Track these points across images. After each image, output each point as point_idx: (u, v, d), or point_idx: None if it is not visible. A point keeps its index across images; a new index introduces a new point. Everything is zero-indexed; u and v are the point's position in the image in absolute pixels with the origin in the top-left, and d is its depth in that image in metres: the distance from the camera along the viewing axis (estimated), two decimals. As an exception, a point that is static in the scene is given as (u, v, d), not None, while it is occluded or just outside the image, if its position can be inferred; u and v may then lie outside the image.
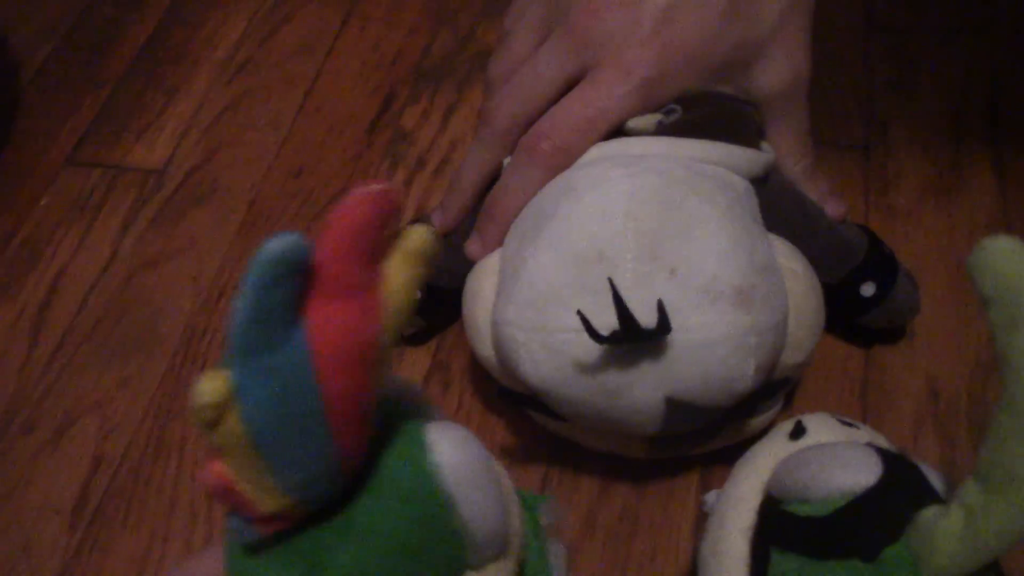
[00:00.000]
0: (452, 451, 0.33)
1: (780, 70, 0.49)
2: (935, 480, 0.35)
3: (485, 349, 0.47)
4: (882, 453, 0.35)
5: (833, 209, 0.51)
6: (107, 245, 0.64)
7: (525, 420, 0.52)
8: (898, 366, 0.53)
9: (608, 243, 0.42)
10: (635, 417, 0.43)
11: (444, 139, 0.66)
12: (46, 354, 0.59)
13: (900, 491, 0.34)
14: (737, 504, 0.38)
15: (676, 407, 0.43)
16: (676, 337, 0.41)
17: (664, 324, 0.40)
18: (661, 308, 0.40)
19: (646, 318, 0.40)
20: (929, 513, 0.33)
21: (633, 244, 0.42)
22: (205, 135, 0.69)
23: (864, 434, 0.39)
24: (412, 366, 0.56)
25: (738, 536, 0.37)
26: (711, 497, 0.41)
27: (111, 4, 0.80)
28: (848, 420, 0.41)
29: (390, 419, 0.34)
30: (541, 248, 0.44)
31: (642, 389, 0.42)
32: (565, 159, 0.46)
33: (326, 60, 0.73)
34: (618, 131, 0.47)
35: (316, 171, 0.66)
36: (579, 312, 0.40)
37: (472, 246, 0.50)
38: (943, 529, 0.31)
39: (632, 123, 0.47)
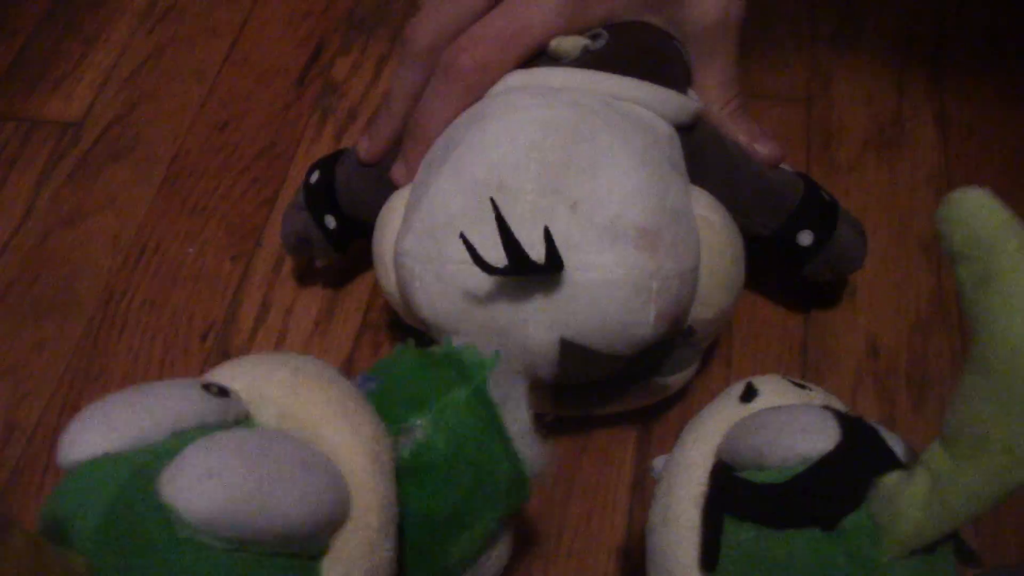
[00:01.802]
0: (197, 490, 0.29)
1: (713, 4, 0.47)
2: (895, 445, 0.34)
3: (389, 284, 0.45)
4: (840, 417, 0.34)
5: (766, 150, 0.49)
6: (21, 202, 0.61)
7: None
8: (838, 324, 0.52)
9: (510, 172, 0.40)
10: (528, 358, 0.41)
11: (376, 91, 0.64)
12: (-44, 317, 0.56)
13: (860, 456, 0.33)
14: (687, 470, 0.36)
15: (571, 350, 0.41)
16: (572, 275, 0.39)
17: (553, 258, 0.38)
18: (549, 239, 0.38)
19: (541, 252, 0.38)
20: (891, 479, 0.31)
21: (535, 175, 0.40)
22: (125, 86, 0.66)
23: (818, 396, 0.38)
24: (343, 325, 0.54)
25: (689, 504, 0.35)
26: (659, 463, 0.39)
27: (26, -53, 0.76)
28: (801, 382, 0.39)
29: None
30: (444, 175, 0.42)
31: (535, 328, 0.40)
32: (484, 76, 0.44)
33: (253, 8, 0.70)
34: (542, 55, 0.45)
35: (242, 124, 0.63)
36: (463, 237, 0.38)
37: (397, 171, 0.47)
38: (907, 495, 0.30)
39: (556, 43, 0.44)
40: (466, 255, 0.39)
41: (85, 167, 0.62)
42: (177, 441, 0.30)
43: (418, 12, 0.48)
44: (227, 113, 0.64)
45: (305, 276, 0.56)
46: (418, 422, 0.36)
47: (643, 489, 0.47)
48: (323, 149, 0.61)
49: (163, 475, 0.29)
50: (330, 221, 0.51)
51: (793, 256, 0.49)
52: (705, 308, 0.44)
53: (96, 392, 0.52)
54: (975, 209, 0.28)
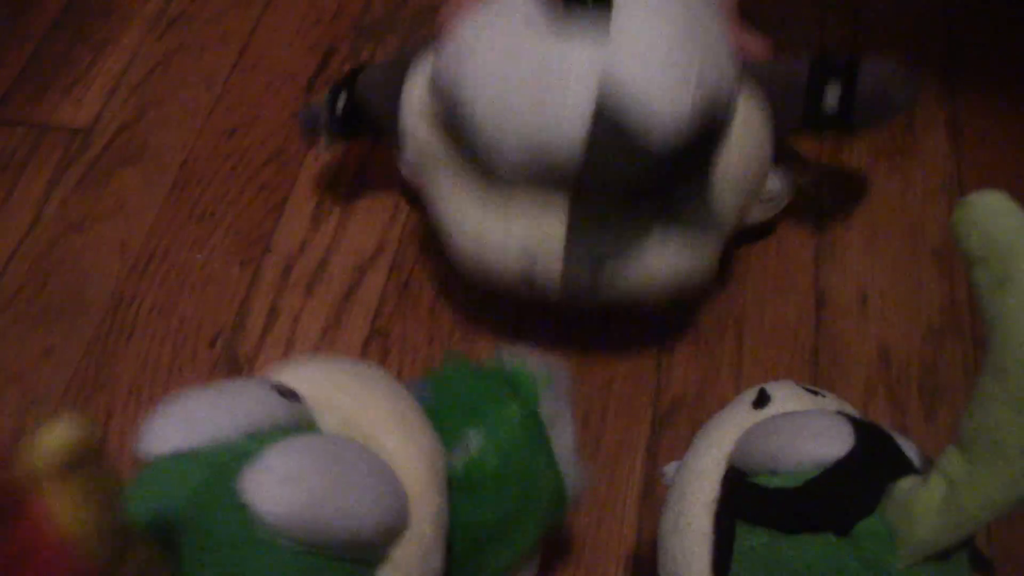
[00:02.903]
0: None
1: None
2: (909, 450, 0.33)
3: (417, 135, 0.47)
4: (854, 422, 0.33)
5: (755, 47, 0.49)
6: (30, 207, 0.61)
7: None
8: (849, 332, 0.52)
9: None
10: (558, 124, 0.40)
11: (386, 98, 0.64)
12: (-35, 322, 0.56)
13: (874, 462, 0.32)
14: (699, 476, 0.36)
15: (604, 120, 0.40)
16: (622, 23, 0.40)
17: None
18: None
19: None
20: (906, 484, 0.31)
21: None
22: (135, 93, 0.66)
23: (832, 402, 0.38)
24: (350, 332, 0.54)
25: (701, 510, 0.35)
26: (671, 469, 0.39)
27: (37, -45, 0.76)
28: (813, 388, 0.39)
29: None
30: None
31: (575, 76, 0.40)
32: None
33: (263, 15, 0.70)
34: None
35: (251, 130, 0.63)
36: None
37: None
38: (922, 500, 0.30)
39: None
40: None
41: (94, 173, 0.62)
42: (254, 442, 0.31)
43: None
44: (236, 120, 0.64)
45: (314, 283, 0.56)
46: (472, 436, 0.36)
47: (653, 497, 0.47)
48: (332, 157, 0.61)
49: (244, 476, 0.30)
50: (341, 100, 0.52)
51: (832, 120, 0.48)
52: (735, 162, 0.44)
53: (104, 398, 0.52)
54: (992, 212, 0.28)
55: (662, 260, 0.45)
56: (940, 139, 0.58)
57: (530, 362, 0.39)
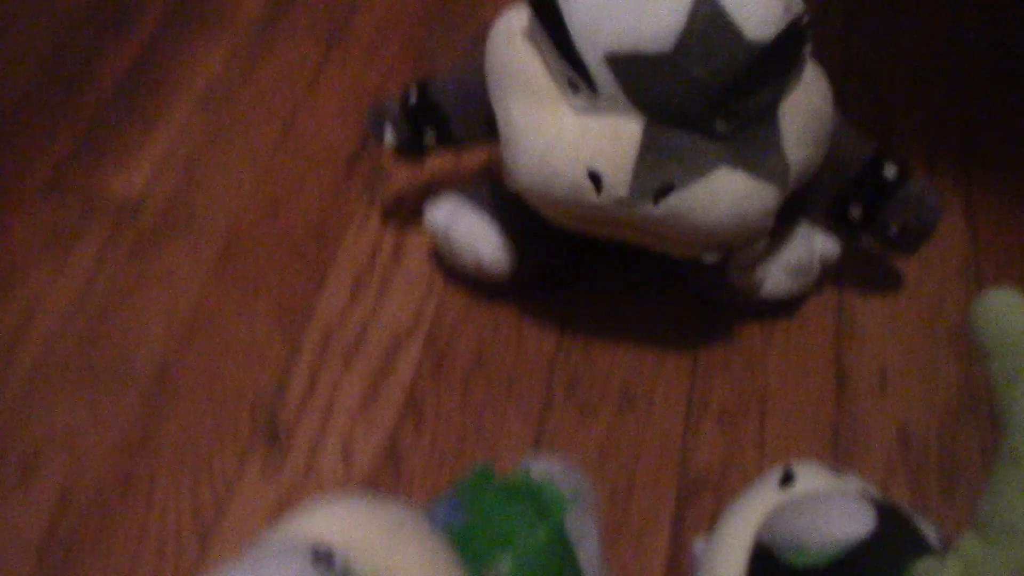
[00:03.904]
0: None
1: None
2: (929, 531, 0.35)
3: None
4: (875, 504, 0.35)
5: None
6: (82, 276, 0.63)
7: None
8: (869, 412, 0.53)
9: None
10: (658, 10, 0.44)
11: (422, 176, 0.67)
12: (17, 385, 0.58)
13: (895, 542, 0.34)
14: (727, 553, 0.38)
15: (702, 18, 0.43)
16: None
17: None
18: None
19: None
20: (925, 565, 0.33)
21: None
22: (184, 166, 0.69)
23: (854, 483, 0.40)
24: (387, 403, 0.56)
25: None
26: (699, 544, 0.41)
27: (92, 32, 0.80)
28: (836, 468, 0.41)
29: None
30: None
31: None
32: None
33: (307, 93, 0.73)
34: None
35: (293, 204, 0.66)
36: None
37: None
38: None
39: None
40: None
41: (143, 243, 0.65)
42: None
43: None
44: (280, 194, 0.67)
45: (352, 353, 0.58)
46: (502, 562, 0.38)
47: (678, 571, 0.48)
48: (371, 230, 0.64)
49: None
50: (412, 96, 0.56)
51: (871, 190, 0.52)
52: (799, 117, 0.47)
53: (148, 464, 0.54)
54: (1005, 308, 0.30)
55: (723, 196, 0.46)
56: (957, 223, 0.60)
57: (556, 474, 0.41)
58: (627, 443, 0.53)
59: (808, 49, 0.47)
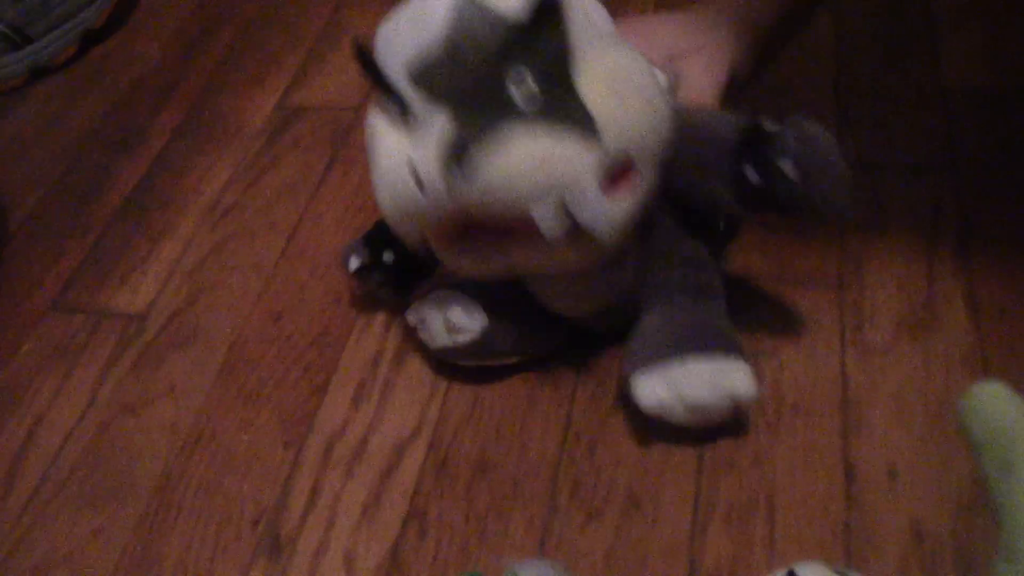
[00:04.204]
0: None
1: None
2: None
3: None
4: None
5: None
6: (86, 391, 0.64)
7: None
8: (880, 508, 0.52)
9: None
10: (426, 30, 0.49)
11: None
12: (19, 504, 0.58)
13: None
14: None
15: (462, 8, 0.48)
16: None
17: None
18: None
19: None
20: None
21: None
22: (188, 279, 0.70)
23: None
24: (390, 511, 0.55)
25: None
26: None
27: (101, 151, 0.82)
28: (841, 569, 0.40)
29: None
30: None
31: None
32: None
33: (309, 204, 0.74)
34: None
35: (297, 314, 0.66)
36: None
37: None
38: None
39: None
40: None
41: (147, 357, 0.65)
42: None
43: None
44: (282, 304, 0.67)
45: (354, 462, 0.58)
46: None
47: None
48: (373, 337, 0.64)
49: None
50: (373, 225, 0.63)
51: (758, 198, 0.53)
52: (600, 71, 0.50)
53: (150, 579, 0.54)
54: (993, 401, 0.30)
55: (522, 151, 0.48)
56: (959, 313, 0.60)
57: None
58: (633, 547, 0.52)
59: (570, 14, 0.50)
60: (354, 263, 0.62)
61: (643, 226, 0.54)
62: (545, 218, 0.49)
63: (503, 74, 0.49)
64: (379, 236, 0.62)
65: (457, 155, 0.48)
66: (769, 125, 0.53)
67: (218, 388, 0.63)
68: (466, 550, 0.53)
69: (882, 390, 0.57)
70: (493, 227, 0.51)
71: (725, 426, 0.56)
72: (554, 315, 0.59)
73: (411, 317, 0.60)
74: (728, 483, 0.54)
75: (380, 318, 0.65)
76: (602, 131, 0.49)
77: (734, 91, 0.56)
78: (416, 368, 0.62)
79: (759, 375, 0.57)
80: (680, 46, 0.61)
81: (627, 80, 0.51)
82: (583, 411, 0.58)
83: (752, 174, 0.52)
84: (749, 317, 0.61)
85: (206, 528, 0.56)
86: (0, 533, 0.57)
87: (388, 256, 0.62)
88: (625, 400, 0.58)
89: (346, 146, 0.78)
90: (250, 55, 0.89)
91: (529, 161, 0.48)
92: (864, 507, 0.52)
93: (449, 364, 0.60)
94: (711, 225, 0.58)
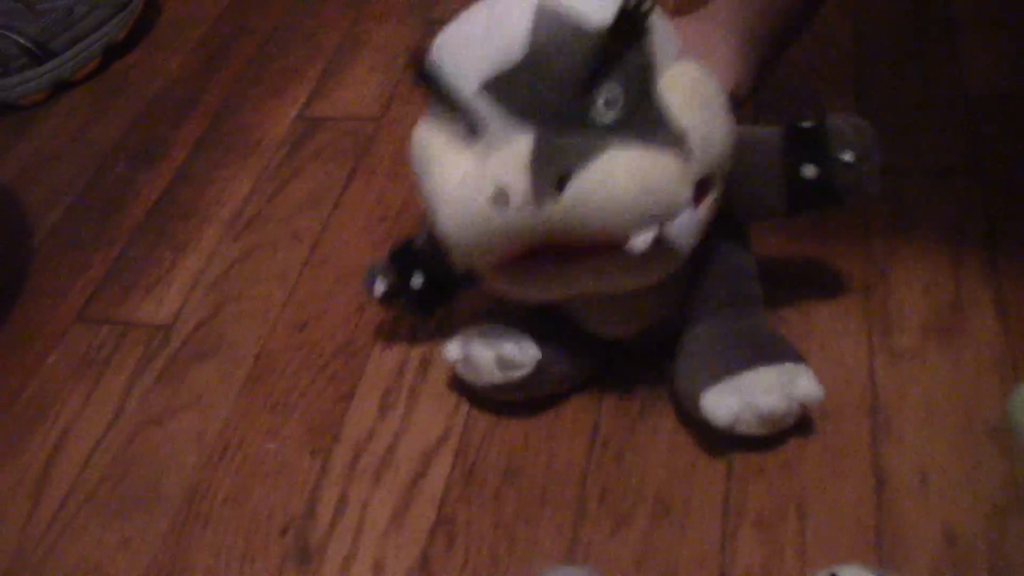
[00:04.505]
0: None
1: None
2: None
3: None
4: None
5: None
6: (113, 402, 0.64)
7: (532, 576, 0.51)
8: (911, 513, 0.52)
9: None
10: (506, 30, 0.48)
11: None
12: (48, 514, 0.58)
13: None
14: None
15: (543, 22, 0.47)
16: None
17: None
18: None
19: None
20: None
21: None
22: (212, 290, 0.70)
23: None
24: (418, 520, 0.55)
25: None
26: None
27: (124, 164, 0.83)
28: (881, 572, 0.40)
29: None
30: None
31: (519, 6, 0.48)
32: None
33: (332, 214, 0.74)
34: None
35: (321, 323, 0.67)
36: None
37: None
38: None
39: None
40: None
41: (173, 368, 0.65)
42: None
43: None
44: (307, 313, 0.67)
45: (382, 470, 0.58)
46: None
47: None
48: (399, 345, 0.64)
49: None
50: (397, 245, 0.61)
51: (814, 193, 0.54)
52: (681, 79, 0.50)
53: (179, 589, 0.54)
54: None
55: (619, 169, 0.47)
56: (988, 318, 0.60)
57: None
58: (663, 553, 0.52)
59: (653, 23, 0.50)
60: (379, 288, 0.61)
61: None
62: (642, 236, 0.48)
63: (592, 88, 0.47)
64: (406, 257, 0.60)
65: (553, 173, 0.47)
66: (807, 123, 0.54)
67: (244, 398, 0.63)
68: (495, 557, 0.53)
69: (911, 395, 0.57)
70: (570, 247, 0.49)
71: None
72: (597, 339, 0.58)
73: (452, 353, 0.57)
74: (757, 489, 0.54)
75: (405, 326, 0.65)
76: (692, 146, 0.49)
77: (733, 108, 0.56)
78: (442, 376, 0.62)
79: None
80: None
81: (705, 94, 0.51)
82: (610, 417, 0.58)
83: (810, 169, 0.53)
84: (775, 323, 0.61)
85: (234, 537, 0.56)
86: (30, 543, 0.57)
87: (417, 280, 0.59)
88: (652, 407, 0.58)
89: (367, 156, 0.79)
90: (270, 67, 0.90)
91: (630, 179, 0.47)
92: (895, 512, 0.52)
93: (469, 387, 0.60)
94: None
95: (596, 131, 0.48)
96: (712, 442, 0.55)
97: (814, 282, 0.63)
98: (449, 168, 0.50)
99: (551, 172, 0.47)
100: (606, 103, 0.48)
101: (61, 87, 0.91)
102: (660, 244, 0.48)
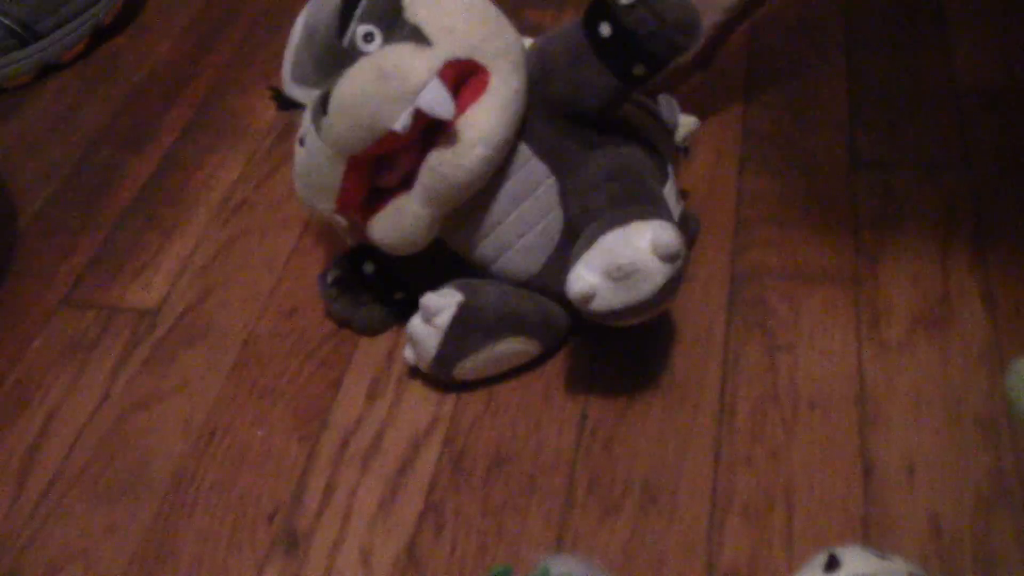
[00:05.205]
0: None
1: None
2: None
3: None
4: None
5: None
6: (99, 387, 0.64)
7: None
8: (898, 503, 0.52)
9: None
10: None
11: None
12: (33, 499, 0.58)
13: None
14: None
15: None
16: None
17: None
18: None
19: None
20: None
21: None
22: (200, 275, 0.70)
23: (900, 564, 0.39)
24: (406, 506, 0.55)
25: None
26: None
27: (111, 148, 0.82)
28: (881, 552, 0.40)
29: None
30: None
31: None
32: None
33: (321, 200, 0.74)
34: None
35: (310, 310, 0.66)
36: None
37: None
38: None
39: None
40: None
41: (160, 353, 0.65)
42: None
43: None
44: (295, 300, 0.67)
45: (369, 457, 0.57)
46: None
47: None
48: (387, 334, 0.64)
49: None
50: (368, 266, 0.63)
51: (623, 51, 0.55)
52: None
53: (165, 574, 0.53)
54: None
55: (356, 69, 0.54)
56: (975, 309, 0.60)
57: (577, 572, 0.39)
58: (651, 541, 0.52)
59: None
60: (329, 278, 0.63)
61: (551, 157, 0.57)
62: (401, 116, 0.53)
63: (352, 38, 0.55)
64: (358, 252, 0.63)
65: (321, 103, 0.54)
66: (604, 30, 0.56)
67: (231, 384, 0.63)
68: (483, 545, 0.53)
69: (899, 386, 0.57)
70: (379, 162, 0.56)
71: (740, 421, 0.55)
72: (524, 285, 0.60)
73: (406, 353, 0.60)
74: (745, 478, 0.54)
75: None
76: (431, 38, 0.54)
77: (680, 77, 0.56)
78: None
79: (775, 369, 0.57)
80: None
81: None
82: (599, 406, 0.58)
83: (605, 28, 0.55)
84: (765, 313, 0.61)
85: (221, 523, 0.55)
86: (15, 527, 0.56)
87: (369, 267, 0.63)
88: (640, 396, 0.58)
89: (357, 143, 0.78)
90: (259, 51, 0.89)
91: (364, 73, 0.54)
92: (882, 502, 0.52)
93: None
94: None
95: (356, 60, 0.55)
96: (700, 431, 0.56)
97: (803, 274, 0.63)
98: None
99: (320, 102, 0.55)
100: (365, 38, 0.55)
101: (47, 70, 0.90)
102: (420, 116, 0.53)
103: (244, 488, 0.57)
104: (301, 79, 0.58)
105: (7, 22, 0.88)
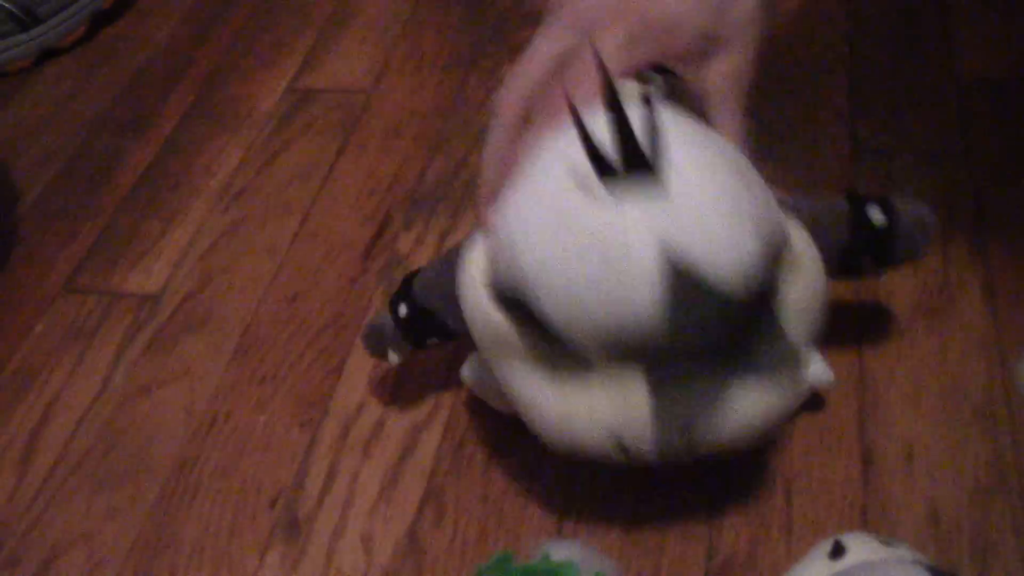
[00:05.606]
0: None
1: (735, 62, 0.52)
2: None
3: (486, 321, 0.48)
4: (932, 570, 0.34)
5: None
6: (100, 373, 0.64)
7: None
8: (897, 490, 0.52)
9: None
10: (629, 286, 0.41)
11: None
12: (35, 484, 0.58)
13: None
14: None
15: (675, 277, 0.41)
16: (671, 182, 0.42)
17: (637, 156, 0.42)
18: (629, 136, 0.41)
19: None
20: None
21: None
22: (201, 262, 0.70)
23: (906, 551, 0.39)
24: (407, 492, 0.55)
25: None
26: None
27: (111, 133, 0.82)
28: (886, 539, 0.40)
29: None
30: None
31: (636, 240, 0.41)
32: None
33: (322, 187, 0.74)
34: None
35: (311, 296, 0.66)
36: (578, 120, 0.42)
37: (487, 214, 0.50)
38: None
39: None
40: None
41: (161, 339, 0.65)
42: None
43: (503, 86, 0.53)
44: (297, 286, 0.67)
45: (371, 443, 0.58)
46: None
47: (708, 660, 0.47)
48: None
49: None
50: (402, 309, 0.54)
51: (873, 240, 0.52)
52: (799, 294, 0.47)
53: (167, 559, 0.54)
54: None
55: (749, 407, 0.46)
56: (975, 300, 0.60)
57: (577, 558, 0.40)
58: (651, 529, 0.52)
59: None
60: (394, 359, 0.56)
61: None
62: None
63: (713, 344, 0.44)
64: (420, 322, 0.54)
65: (677, 424, 0.45)
66: (874, 214, 0.52)
67: (232, 370, 0.63)
68: (484, 532, 0.53)
69: (898, 374, 0.57)
70: None
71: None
72: None
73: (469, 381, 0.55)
74: (744, 465, 0.54)
75: (394, 301, 0.65)
76: (803, 354, 0.48)
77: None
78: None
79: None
80: (699, 43, 0.51)
81: (819, 280, 0.49)
82: (599, 394, 0.58)
83: (867, 262, 0.53)
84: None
85: (223, 509, 0.56)
86: (16, 512, 0.57)
87: (433, 343, 0.55)
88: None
89: (358, 128, 0.78)
90: (260, 38, 0.89)
91: (749, 422, 0.47)
92: (881, 490, 0.52)
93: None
94: None
95: (715, 368, 0.45)
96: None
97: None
98: (539, 383, 0.47)
99: (674, 422, 0.45)
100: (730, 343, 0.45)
101: (47, 54, 0.90)
102: None
103: (245, 474, 0.57)
104: (618, 348, 0.44)
105: (8, 6, 0.88)
